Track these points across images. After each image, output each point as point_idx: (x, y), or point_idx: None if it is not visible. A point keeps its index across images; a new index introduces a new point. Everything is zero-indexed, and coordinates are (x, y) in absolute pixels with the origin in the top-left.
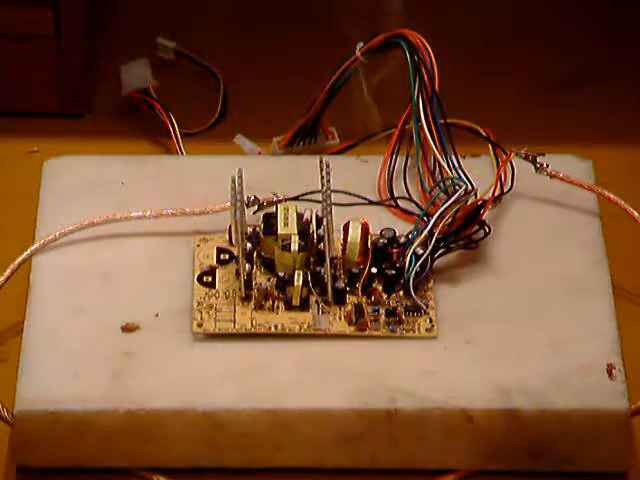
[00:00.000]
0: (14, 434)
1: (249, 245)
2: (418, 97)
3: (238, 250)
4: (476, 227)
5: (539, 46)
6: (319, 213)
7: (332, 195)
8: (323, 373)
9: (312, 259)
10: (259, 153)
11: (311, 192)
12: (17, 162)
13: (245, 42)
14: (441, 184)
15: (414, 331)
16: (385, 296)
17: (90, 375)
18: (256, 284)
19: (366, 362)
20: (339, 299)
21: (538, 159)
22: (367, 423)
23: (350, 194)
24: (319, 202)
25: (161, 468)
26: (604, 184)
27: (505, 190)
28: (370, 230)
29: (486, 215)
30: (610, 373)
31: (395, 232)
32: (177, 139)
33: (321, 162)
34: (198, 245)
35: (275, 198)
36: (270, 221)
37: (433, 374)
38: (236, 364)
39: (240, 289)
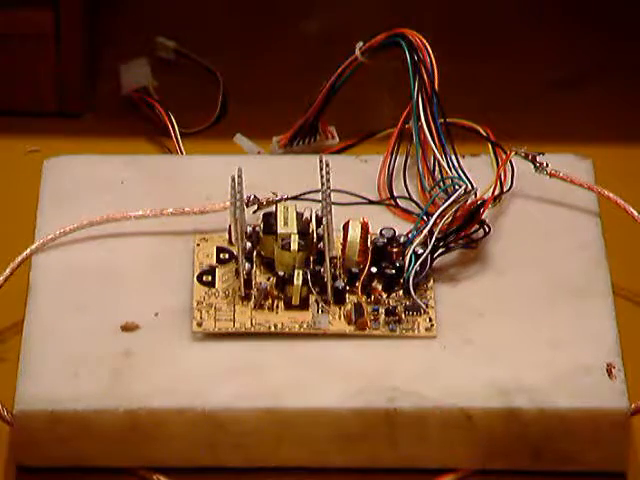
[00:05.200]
0: (14, 434)
1: (249, 244)
2: (418, 97)
3: (238, 249)
4: (476, 226)
5: (539, 46)
6: (319, 212)
7: (332, 194)
8: (322, 372)
9: (312, 258)
10: (259, 152)
11: (311, 191)
12: (17, 162)
13: (245, 42)
14: (441, 183)
15: (414, 330)
16: (385, 295)
17: (90, 374)
18: (256, 283)
19: (365, 361)
20: (339, 298)
21: (538, 158)
22: (366, 422)
23: (350, 193)
24: (319, 201)
25: (161, 467)
26: (604, 184)
27: (505, 189)
28: (370, 229)
29: (486, 214)
30: (610, 373)
31: (395, 232)
32: (177, 139)
33: (321, 161)
34: (198, 244)
35: (275, 197)
36: (270, 220)
37: (432, 373)
38: (236, 363)
39: (240, 288)
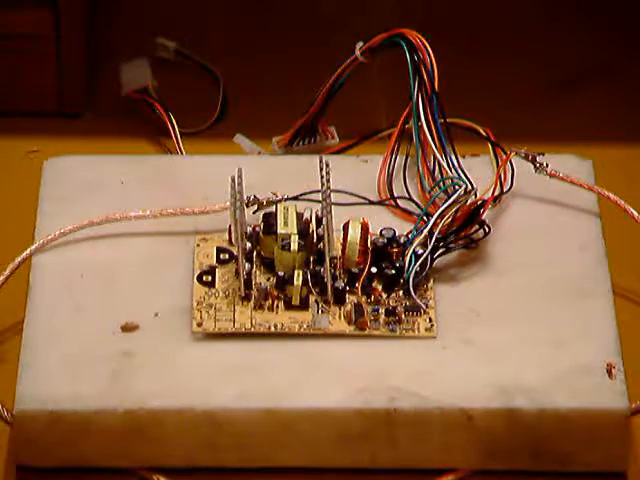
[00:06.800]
0: (14, 434)
1: (249, 245)
2: (418, 97)
3: (238, 250)
4: (476, 227)
5: (539, 46)
6: (319, 213)
7: (332, 195)
8: (323, 373)
9: (312, 259)
10: (259, 153)
11: (311, 192)
12: (17, 162)
13: (245, 42)
14: (441, 184)
15: (414, 331)
16: (385, 296)
17: (90, 375)
18: (256, 284)
19: (366, 362)
20: (339, 299)
21: (538, 159)
22: (367, 423)
23: (350, 194)
24: (319, 202)
25: (161, 468)
26: (604, 184)
27: (505, 190)
28: (370, 230)
29: (486, 215)
30: (610, 373)
31: (395, 232)
32: (177, 139)
33: (321, 162)
34: (198, 245)
35: (275, 198)
36: (270, 221)
37: (432, 373)
38: (236, 363)
39: (240, 289)
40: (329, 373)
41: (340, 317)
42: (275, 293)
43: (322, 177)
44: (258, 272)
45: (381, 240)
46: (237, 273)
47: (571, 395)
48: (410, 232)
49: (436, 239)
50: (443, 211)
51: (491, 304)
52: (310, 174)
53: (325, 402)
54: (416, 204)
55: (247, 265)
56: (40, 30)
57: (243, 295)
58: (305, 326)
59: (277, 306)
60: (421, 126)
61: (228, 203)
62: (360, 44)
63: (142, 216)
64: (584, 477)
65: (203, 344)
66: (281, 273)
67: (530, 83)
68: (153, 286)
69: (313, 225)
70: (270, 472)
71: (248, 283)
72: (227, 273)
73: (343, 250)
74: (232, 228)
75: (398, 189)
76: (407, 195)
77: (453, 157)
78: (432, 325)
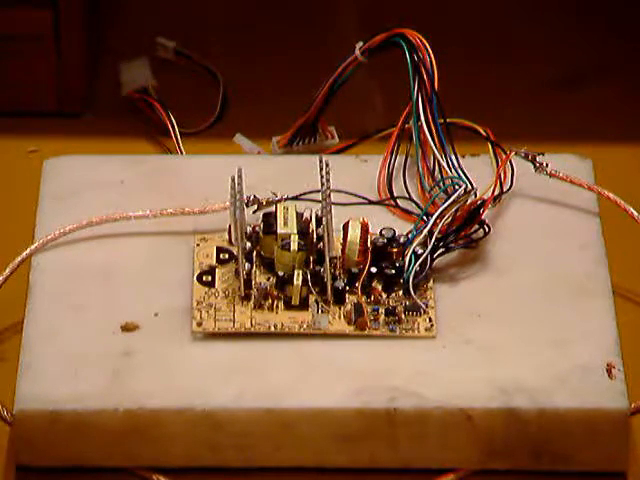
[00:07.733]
0: (14, 434)
1: (249, 244)
2: (418, 96)
3: (238, 249)
4: (476, 226)
5: (538, 46)
6: (319, 212)
7: (332, 194)
8: (322, 372)
9: (312, 258)
10: (258, 152)
11: (311, 191)
12: (17, 162)
13: (245, 42)
14: (441, 183)
15: (413, 330)
16: (384, 295)
17: (90, 374)
18: (256, 283)
19: (365, 361)
20: (338, 298)
21: (538, 158)
22: (366, 422)
23: (350, 193)
24: (319, 201)
25: (161, 467)
26: (604, 184)
27: (505, 189)
28: (370, 229)
29: (486, 214)
30: (610, 373)
31: (395, 232)
32: (177, 139)
33: (320, 161)
34: (198, 245)
35: (275, 197)
36: (270, 220)
37: (432, 373)
38: (235, 363)
39: (240, 288)
40: (329, 373)
41: (340, 317)
42: (275, 293)
43: (322, 177)
44: (258, 272)
45: (381, 240)
46: (237, 273)
47: (571, 395)
48: (410, 232)
49: (436, 239)
50: (443, 211)
51: (491, 304)
52: (310, 174)
53: (325, 402)
54: (416, 204)
55: (247, 265)
56: (40, 30)
57: (243, 295)
58: (305, 326)
59: (277, 306)
60: (421, 126)
61: (228, 203)
62: (360, 44)
63: (142, 216)
64: (584, 477)
65: (203, 344)
66: (281, 273)
67: (530, 83)
68: (153, 286)
69: (313, 225)
70: (270, 472)
71: (248, 283)
72: (227, 273)
73: (343, 250)
74: (232, 228)
75: (398, 189)
76: (407, 195)
77: (453, 157)
78: (432, 325)
